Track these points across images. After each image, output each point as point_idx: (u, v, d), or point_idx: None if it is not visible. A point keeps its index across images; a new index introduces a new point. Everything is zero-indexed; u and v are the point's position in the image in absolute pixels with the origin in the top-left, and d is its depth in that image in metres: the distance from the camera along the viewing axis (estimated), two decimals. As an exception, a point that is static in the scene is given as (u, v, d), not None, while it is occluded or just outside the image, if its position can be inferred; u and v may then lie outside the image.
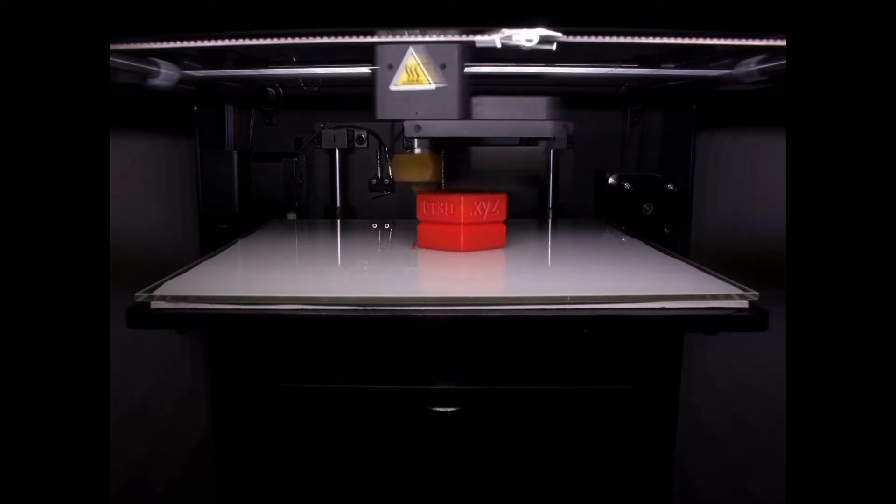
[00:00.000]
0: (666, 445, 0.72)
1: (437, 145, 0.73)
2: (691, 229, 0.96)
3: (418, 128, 0.65)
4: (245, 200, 0.97)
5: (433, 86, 0.61)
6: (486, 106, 0.67)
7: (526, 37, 0.59)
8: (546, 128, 0.69)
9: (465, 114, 0.64)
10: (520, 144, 0.93)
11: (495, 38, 0.59)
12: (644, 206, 0.99)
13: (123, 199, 0.80)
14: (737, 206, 0.95)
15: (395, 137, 0.74)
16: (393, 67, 0.62)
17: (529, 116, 0.69)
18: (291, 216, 1.01)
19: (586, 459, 0.70)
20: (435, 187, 0.79)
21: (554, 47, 0.60)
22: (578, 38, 0.61)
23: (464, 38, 0.60)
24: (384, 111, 0.63)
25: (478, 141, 0.76)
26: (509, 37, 0.59)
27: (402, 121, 0.65)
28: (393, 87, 0.62)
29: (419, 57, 0.61)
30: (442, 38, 0.60)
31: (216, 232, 0.95)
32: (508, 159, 0.93)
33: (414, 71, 0.61)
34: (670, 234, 0.98)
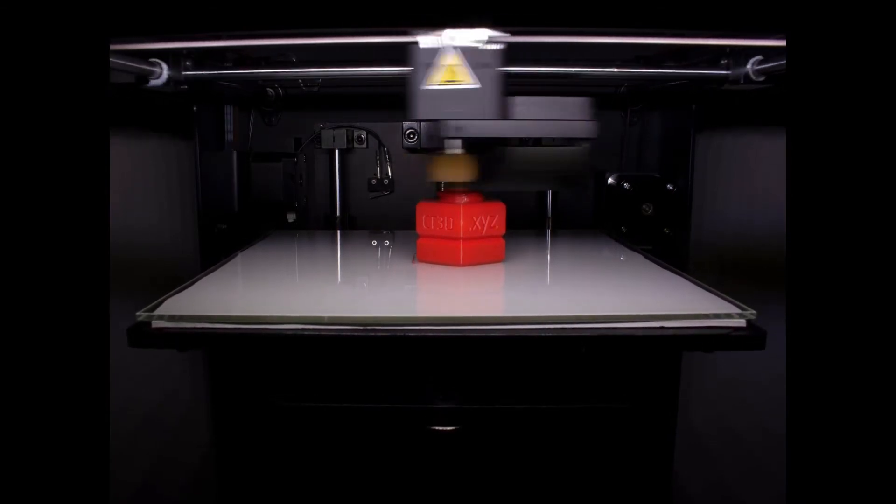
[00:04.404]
0: (664, 462, 0.72)
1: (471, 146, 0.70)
2: (691, 229, 0.96)
3: (459, 128, 0.63)
4: (244, 201, 0.97)
5: (468, 86, 0.60)
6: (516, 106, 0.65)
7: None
8: (587, 128, 0.65)
9: (501, 114, 0.62)
10: (532, 145, 0.92)
11: (481, 38, 0.59)
12: (643, 206, 0.99)
13: (123, 199, 0.80)
14: (736, 207, 0.95)
15: (429, 137, 0.73)
16: (427, 67, 0.60)
17: (562, 117, 0.66)
18: (291, 216, 1.01)
19: (585, 478, 0.70)
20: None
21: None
22: (572, 38, 0.61)
23: (454, 37, 0.60)
24: (419, 111, 0.62)
25: (506, 141, 0.74)
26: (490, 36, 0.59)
27: (438, 120, 0.63)
28: (426, 87, 0.61)
29: (453, 57, 0.60)
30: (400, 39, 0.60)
31: (215, 232, 0.95)
32: (534, 160, 0.91)
33: (449, 70, 0.60)
34: (669, 235, 0.98)
